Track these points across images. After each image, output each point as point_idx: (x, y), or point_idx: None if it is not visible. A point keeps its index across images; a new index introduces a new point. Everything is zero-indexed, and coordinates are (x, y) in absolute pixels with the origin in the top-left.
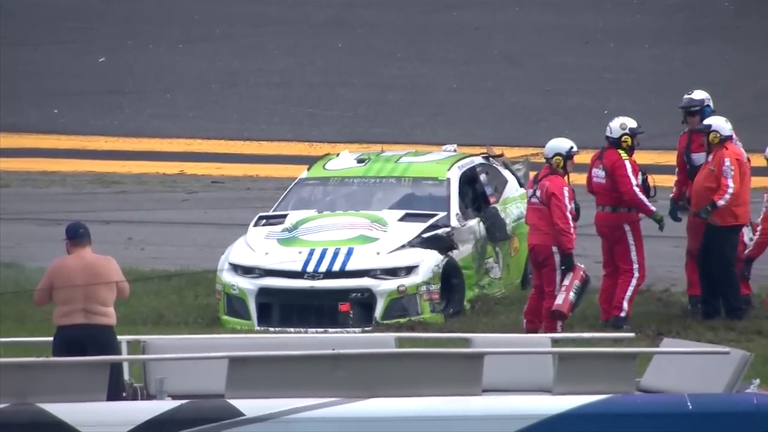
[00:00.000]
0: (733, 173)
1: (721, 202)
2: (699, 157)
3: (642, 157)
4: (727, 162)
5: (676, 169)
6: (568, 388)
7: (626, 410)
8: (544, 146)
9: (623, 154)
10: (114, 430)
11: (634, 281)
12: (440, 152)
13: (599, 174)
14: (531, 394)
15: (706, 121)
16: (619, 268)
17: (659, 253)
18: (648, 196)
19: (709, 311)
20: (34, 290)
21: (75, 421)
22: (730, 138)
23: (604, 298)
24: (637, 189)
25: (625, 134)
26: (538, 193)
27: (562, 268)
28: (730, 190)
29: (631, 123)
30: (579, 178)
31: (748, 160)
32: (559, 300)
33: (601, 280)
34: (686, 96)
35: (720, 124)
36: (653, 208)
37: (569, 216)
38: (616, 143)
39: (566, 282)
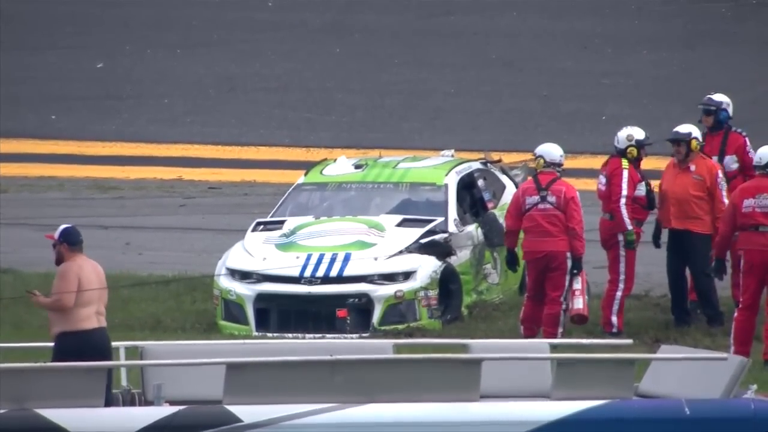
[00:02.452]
0: (727, 186)
1: None
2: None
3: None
4: (720, 174)
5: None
6: (566, 394)
7: (624, 416)
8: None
9: (624, 163)
10: None
11: (618, 293)
12: (438, 157)
13: (602, 181)
14: (529, 400)
15: (683, 129)
16: (608, 277)
17: (656, 259)
18: (652, 206)
19: (684, 318)
20: (60, 293)
21: (73, 427)
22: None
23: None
24: (623, 201)
25: (631, 146)
26: (551, 198)
27: (574, 272)
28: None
29: (639, 134)
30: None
31: None
32: (579, 304)
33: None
34: (708, 96)
35: (698, 133)
36: (629, 227)
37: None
38: (621, 153)
39: (577, 286)
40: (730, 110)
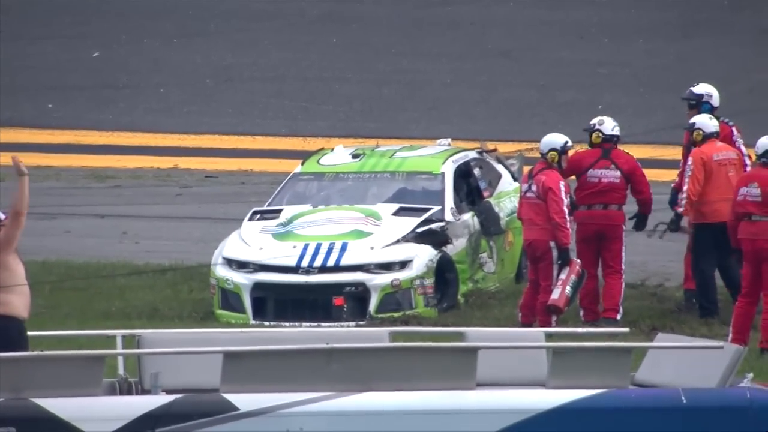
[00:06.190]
0: (691, 173)
1: (680, 210)
2: None
3: (636, 152)
4: (690, 161)
5: (681, 161)
6: (562, 383)
7: (621, 405)
8: (538, 141)
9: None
10: (108, 424)
11: (623, 284)
12: (434, 146)
13: (611, 173)
14: (525, 389)
15: (693, 119)
16: (610, 268)
17: (653, 248)
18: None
19: (707, 311)
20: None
21: (69, 416)
22: (713, 135)
23: (589, 300)
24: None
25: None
26: (533, 187)
27: (559, 262)
28: (683, 194)
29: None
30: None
31: (748, 156)
32: (555, 295)
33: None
34: (690, 88)
35: (704, 121)
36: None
37: (566, 210)
38: (615, 141)
39: (562, 276)
40: (713, 101)
